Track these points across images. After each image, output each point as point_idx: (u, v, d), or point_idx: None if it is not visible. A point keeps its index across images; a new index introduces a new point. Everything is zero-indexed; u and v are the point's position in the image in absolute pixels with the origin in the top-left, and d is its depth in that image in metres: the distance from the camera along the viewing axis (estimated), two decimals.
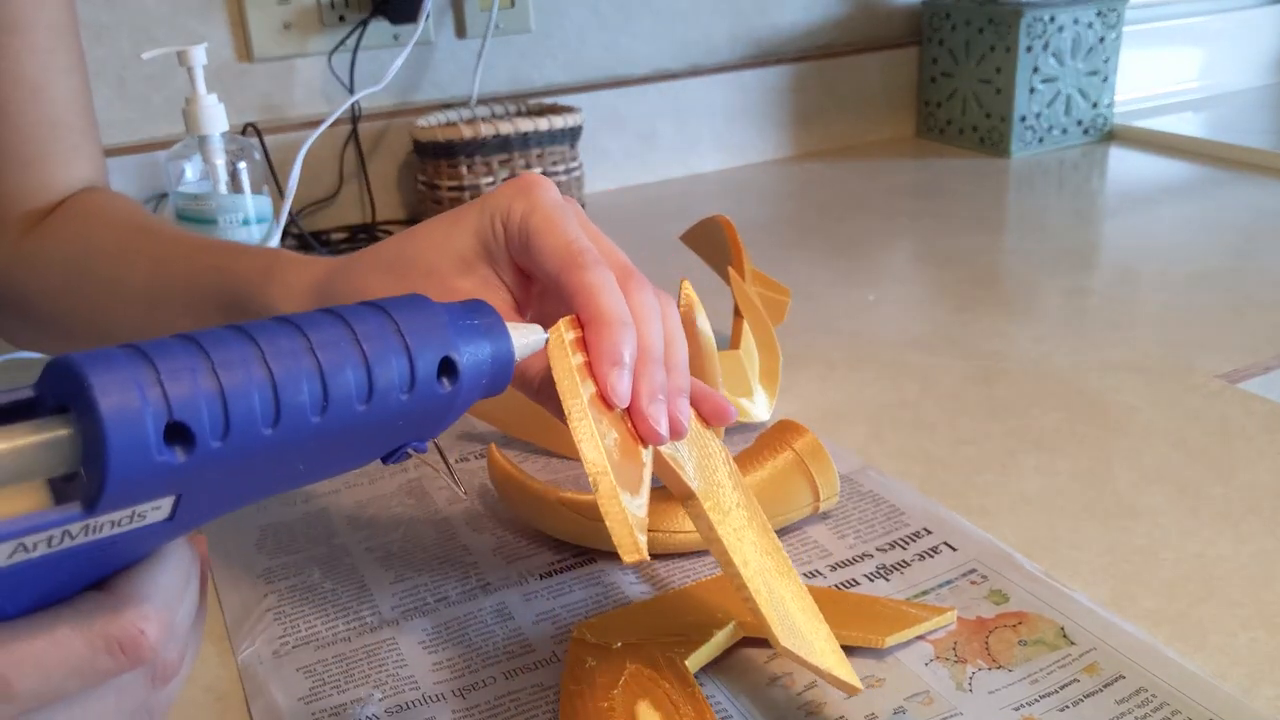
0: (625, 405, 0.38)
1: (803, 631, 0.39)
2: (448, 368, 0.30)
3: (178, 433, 0.24)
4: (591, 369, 0.38)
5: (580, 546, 0.53)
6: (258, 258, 0.47)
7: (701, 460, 0.42)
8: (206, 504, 0.26)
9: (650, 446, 0.38)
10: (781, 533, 0.53)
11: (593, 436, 0.36)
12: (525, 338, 0.35)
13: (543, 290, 0.43)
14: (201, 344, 0.25)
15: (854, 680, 0.38)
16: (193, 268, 0.50)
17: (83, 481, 0.23)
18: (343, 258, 0.45)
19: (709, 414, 0.43)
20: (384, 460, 0.31)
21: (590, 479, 0.36)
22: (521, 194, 0.41)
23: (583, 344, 0.38)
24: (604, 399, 0.38)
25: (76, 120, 0.56)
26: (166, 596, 0.27)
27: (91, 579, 0.26)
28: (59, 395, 0.24)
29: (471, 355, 0.31)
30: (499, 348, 0.33)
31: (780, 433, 0.54)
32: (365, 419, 0.27)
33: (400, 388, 0.28)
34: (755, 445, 0.54)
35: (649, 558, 0.37)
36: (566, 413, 0.37)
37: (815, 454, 0.53)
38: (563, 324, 0.38)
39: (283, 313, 0.43)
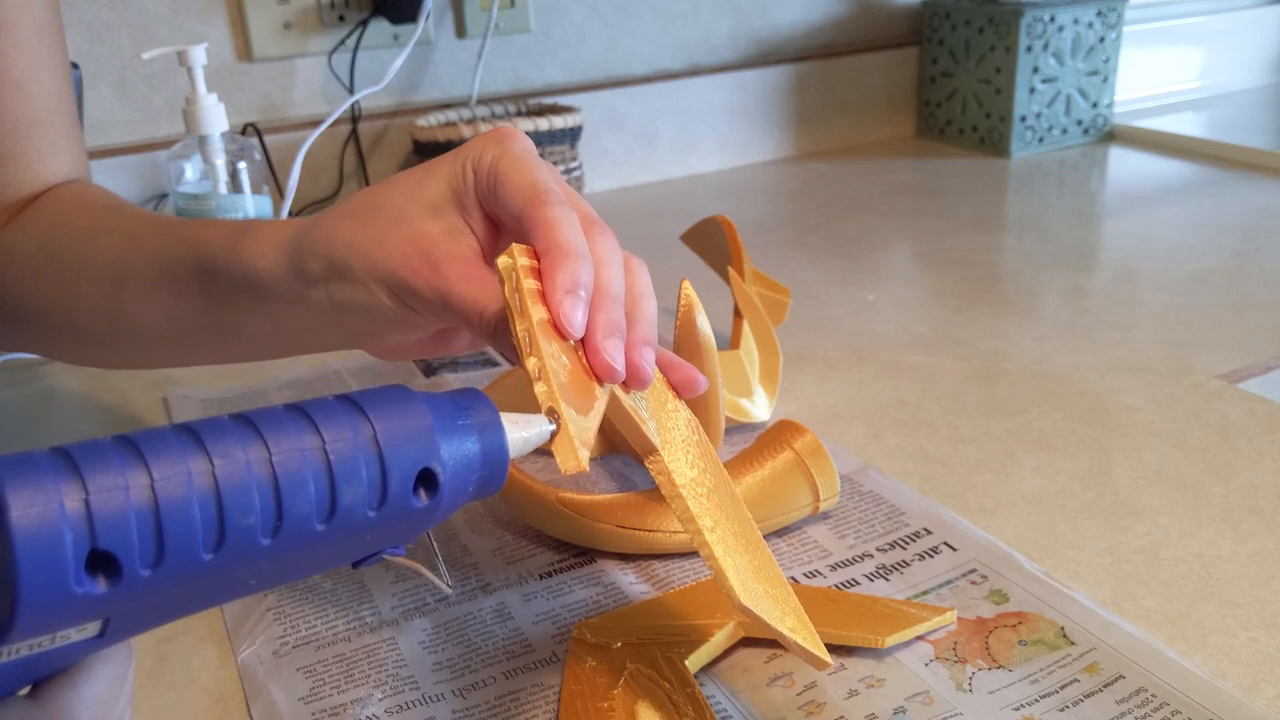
0: (579, 335, 0.37)
1: (765, 599, 0.37)
2: (427, 478, 0.27)
3: (102, 560, 0.22)
4: (545, 296, 0.36)
5: (580, 547, 0.53)
6: (228, 225, 0.46)
7: (665, 424, 0.40)
8: (141, 620, 0.24)
9: (606, 386, 0.37)
10: (782, 533, 0.53)
11: (539, 349, 0.35)
12: (525, 431, 0.31)
13: (509, 238, 0.42)
14: (141, 451, 0.22)
15: (822, 652, 0.37)
16: (162, 240, 0.49)
17: None
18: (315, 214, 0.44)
19: (679, 383, 0.42)
20: (353, 566, 0.28)
21: (536, 388, 0.34)
22: (494, 142, 0.41)
23: (537, 273, 0.37)
24: (557, 327, 0.36)
25: (59, 119, 0.57)
26: (98, 709, 0.25)
27: (21, 683, 0.25)
28: None
29: (457, 460, 0.28)
30: (491, 447, 0.29)
31: (780, 432, 0.54)
32: (325, 537, 0.25)
33: (369, 504, 0.25)
34: (755, 445, 0.54)
35: (588, 469, 0.36)
36: (515, 338, 0.35)
37: (815, 454, 0.53)
38: (516, 248, 0.37)
39: (257, 271, 0.43)
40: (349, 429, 0.25)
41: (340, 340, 0.46)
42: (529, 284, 0.36)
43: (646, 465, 0.39)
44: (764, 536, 0.53)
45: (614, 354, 0.37)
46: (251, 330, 0.47)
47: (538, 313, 0.36)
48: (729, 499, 0.41)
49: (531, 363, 0.35)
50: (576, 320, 0.36)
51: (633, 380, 0.38)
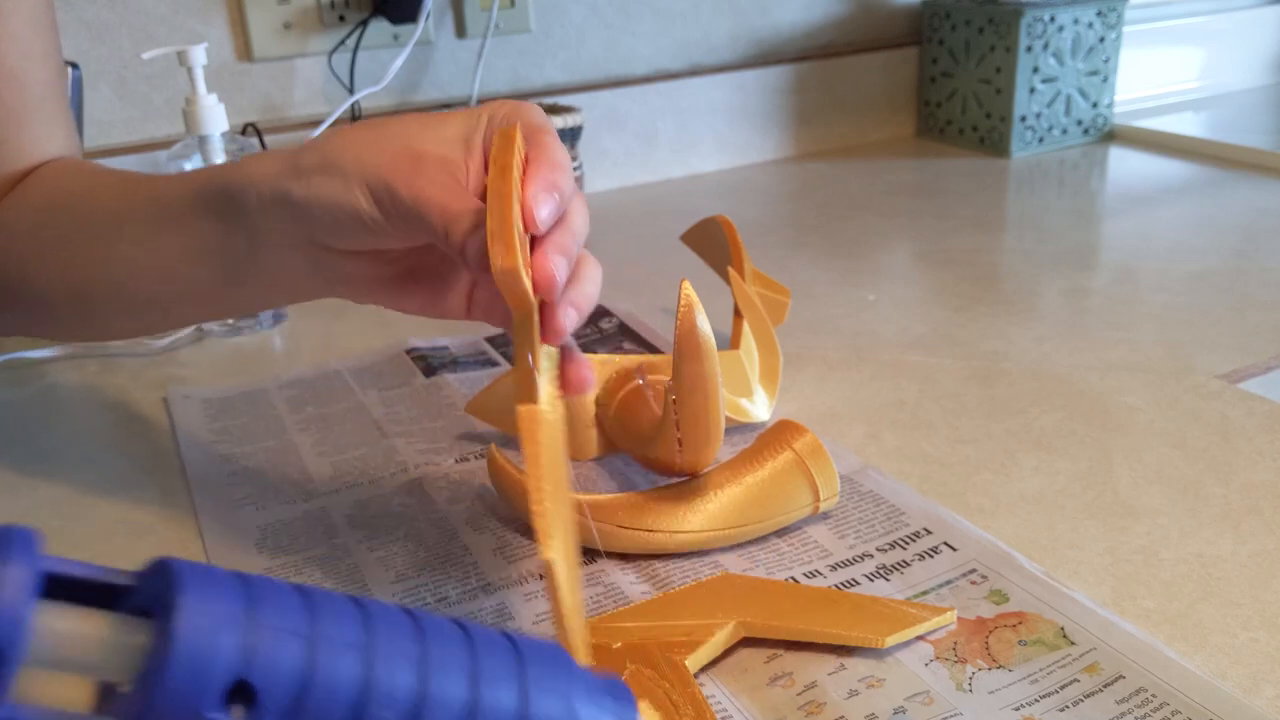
0: (543, 229, 0.39)
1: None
2: None
3: (242, 693, 0.22)
4: (524, 188, 0.39)
5: (580, 547, 0.53)
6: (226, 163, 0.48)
7: (550, 396, 0.42)
8: None
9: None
10: (782, 533, 0.53)
11: (511, 239, 0.38)
12: None
13: None
14: (316, 609, 0.23)
15: (580, 647, 0.36)
16: (161, 184, 0.50)
17: (125, 698, 0.22)
18: None
19: (572, 375, 0.43)
20: None
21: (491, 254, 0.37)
22: (515, 104, 0.45)
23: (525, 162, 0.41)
24: (525, 216, 0.38)
25: (50, 105, 0.59)
26: None
27: None
28: (150, 596, 0.22)
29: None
30: None
31: (780, 433, 0.54)
32: None
33: None
34: (755, 445, 0.55)
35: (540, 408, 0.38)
36: (489, 192, 0.38)
37: (815, 454, 0.53)
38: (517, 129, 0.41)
39: (251, 174, 0.45)
40: (506, 680, 0.25)
41: (308, 268, 0.46)
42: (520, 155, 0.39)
43: (519, 415, 0.40)
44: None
45: (559, 267, 0.39)
46: (231, 255, 0.47)
47: (514, 189, 0.39)
48: (564, 488, 0.41)
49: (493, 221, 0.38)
50: (544, 215, 0.39)
51: (544, 287, 0.40)
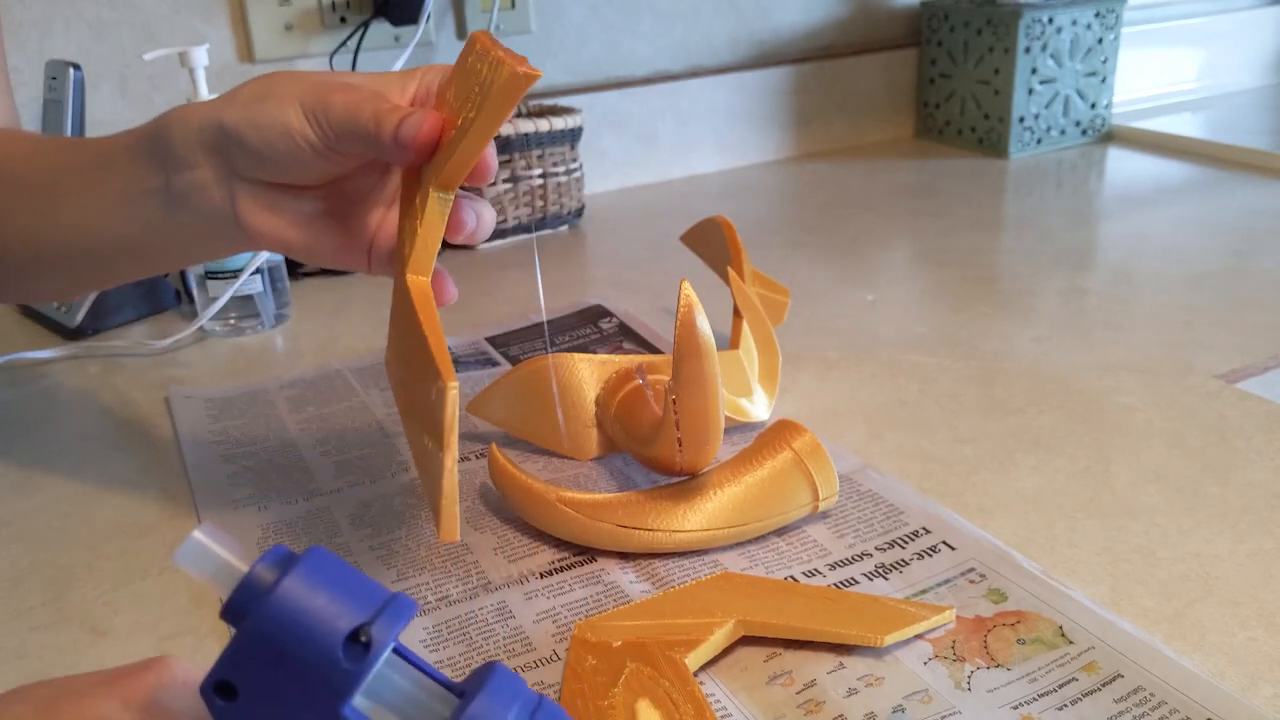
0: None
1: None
2: None
3: None
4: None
5: (580, 546, 0.53)
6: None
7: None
8: None
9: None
10: (781, 532, 0.54)
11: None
12: None
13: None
14: None
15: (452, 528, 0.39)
16: (105, 140, 0.51)
17: None
18: None
19: (458, 219, 0.47)
20: None
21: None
22: (445, 66, 0.48)
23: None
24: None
25: None
26: None
27: None
28: (473, 684, 0.28)
29: None
30: None
31: (779, 432, 0.54)
32: None
33: None
34: (754, 445, 0.55)
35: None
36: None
37: (814, 453, 0.53)
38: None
39: (187, 116, 0.47)
40: None
41: (225, 211, 0.48)
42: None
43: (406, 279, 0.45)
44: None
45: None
46: (157, 198, 0.48)
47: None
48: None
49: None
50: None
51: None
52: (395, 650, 0.29)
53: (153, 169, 0.48)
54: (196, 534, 0.28)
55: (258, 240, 0.49)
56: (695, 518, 0.51)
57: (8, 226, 0.53)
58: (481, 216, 0.47)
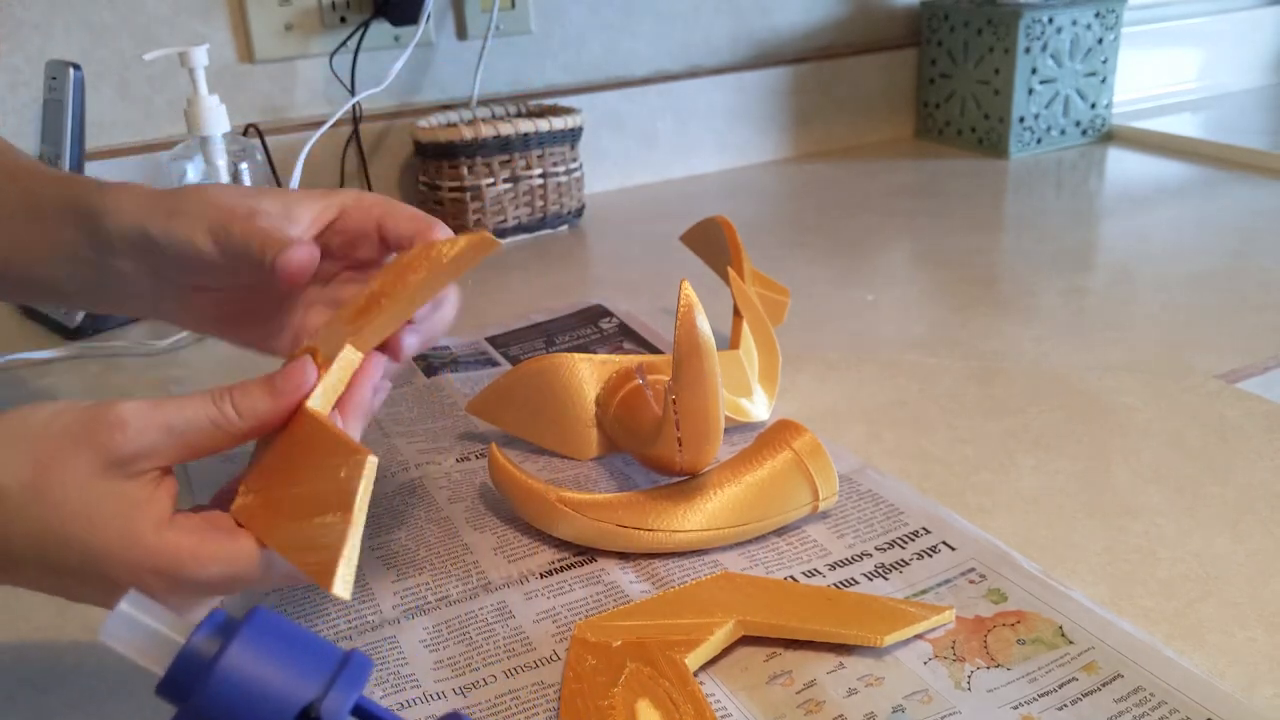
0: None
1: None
2: None
3: None
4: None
5: (580, 546, 0.53)
6: (103, 183, 0.51)
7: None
8: None
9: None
10: (781, 532, 0.54)
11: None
12: None
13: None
14: None
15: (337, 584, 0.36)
16: (36, 179, 0.53)
17: None
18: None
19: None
20: None
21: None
22: (369, 199, 0.52)
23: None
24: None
25: None
26: None
27: None
28: None
29: None
30: None
31: (779, 432, 0.54)
32: None
33: None
34: (754, 445, 0.55)
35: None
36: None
37: (814, 453, 0.53)
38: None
39: (122, 212, 0.48)
40: None
41: (152, 296, 0.51)
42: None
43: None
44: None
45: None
46: (88, 267, 0.51)
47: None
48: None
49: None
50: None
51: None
52: (357, 707, 0.27)
53: (83, 244, 0.50)
54: (123, 605, 0.26)
55: (181, 325, 0.54)
56: (695, 518, 0.51)
57: None
58: (430, 329, 0.49)
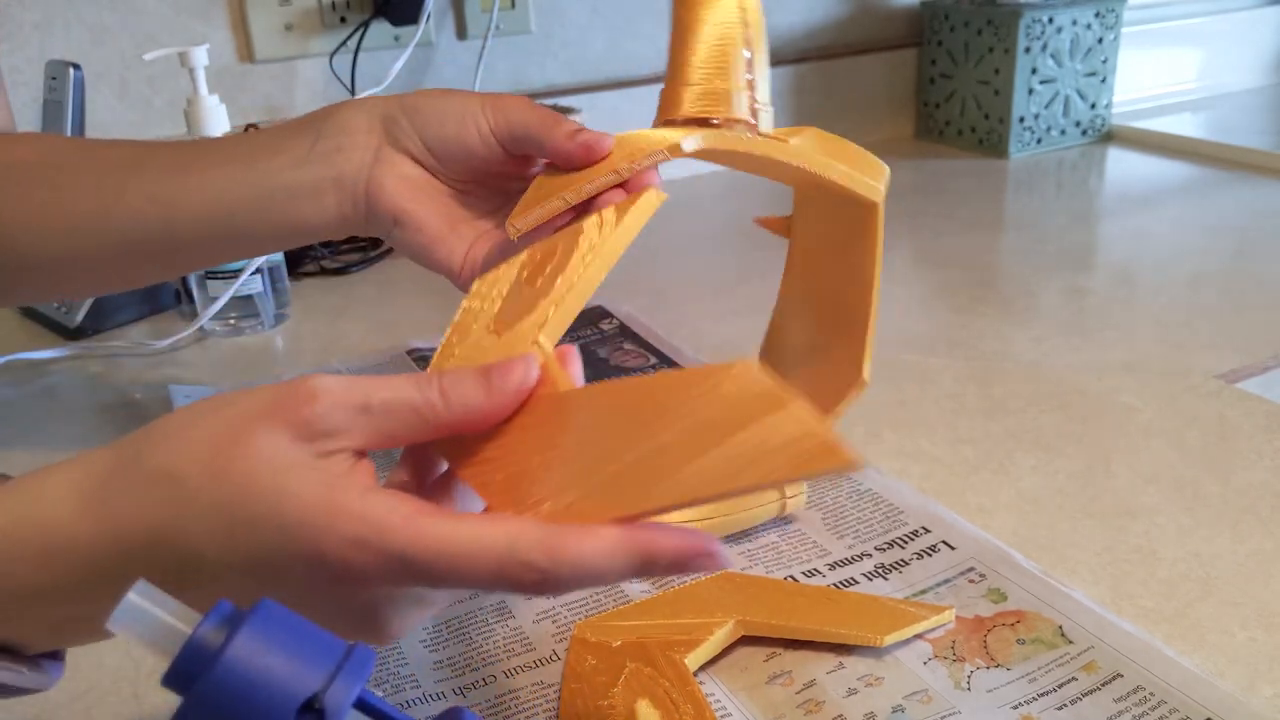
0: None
1: None
2: None
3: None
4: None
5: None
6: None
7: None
8: None
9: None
10: (781, 532, 0.54)
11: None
12: None
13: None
14: None
15: None
16: (132, 199, 0.52)
17: None
18: None
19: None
20: None
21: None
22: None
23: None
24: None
25: None
26: None
27: None
28: None
29: None
30: None
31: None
32: None
33: None
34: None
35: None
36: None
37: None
38: None
39: (357, 104, 0.52)
40: None
41: (365, 163, 0.51)
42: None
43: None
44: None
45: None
46: (293, 156, 0.52)
47: None
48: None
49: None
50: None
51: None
52: (359, 701, 0.27)
53: (301, 137, 0.51)
54: (132, 595, 0.26)
55: (374, 202, 0.51)
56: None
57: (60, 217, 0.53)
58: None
